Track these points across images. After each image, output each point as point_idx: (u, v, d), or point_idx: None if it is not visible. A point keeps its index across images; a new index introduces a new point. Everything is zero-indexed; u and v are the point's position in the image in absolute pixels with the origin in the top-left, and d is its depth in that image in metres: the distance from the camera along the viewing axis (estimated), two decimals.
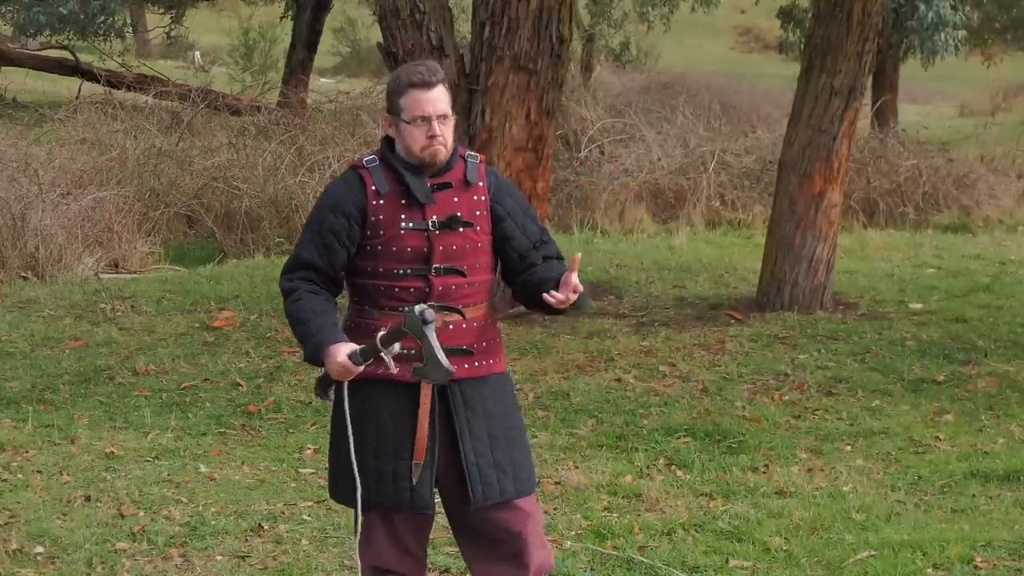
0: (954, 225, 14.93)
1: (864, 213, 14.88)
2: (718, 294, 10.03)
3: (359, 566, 3.80)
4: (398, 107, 3.70)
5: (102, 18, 22.84)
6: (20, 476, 5.93)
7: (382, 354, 3.57)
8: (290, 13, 23.59)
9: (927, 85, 32.86)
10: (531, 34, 8.59)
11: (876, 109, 19.98)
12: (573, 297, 3.63)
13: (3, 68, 22.84)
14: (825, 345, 8.42)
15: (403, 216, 3.69)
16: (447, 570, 4.89)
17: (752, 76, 29.41)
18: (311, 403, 7.02)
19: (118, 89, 19.61)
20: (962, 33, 21.22)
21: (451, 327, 3.72)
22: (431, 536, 3.98)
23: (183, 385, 7.41)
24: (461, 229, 3.72)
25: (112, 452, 6.28)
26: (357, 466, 3.70)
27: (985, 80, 30.43)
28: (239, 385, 7.41)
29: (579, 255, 3.65)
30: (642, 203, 14.15)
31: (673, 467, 6.20)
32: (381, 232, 3.69)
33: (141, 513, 5.49)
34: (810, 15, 13.81)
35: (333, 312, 3.71)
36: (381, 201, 3.69)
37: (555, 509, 5.59)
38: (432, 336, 3.51)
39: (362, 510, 3.78)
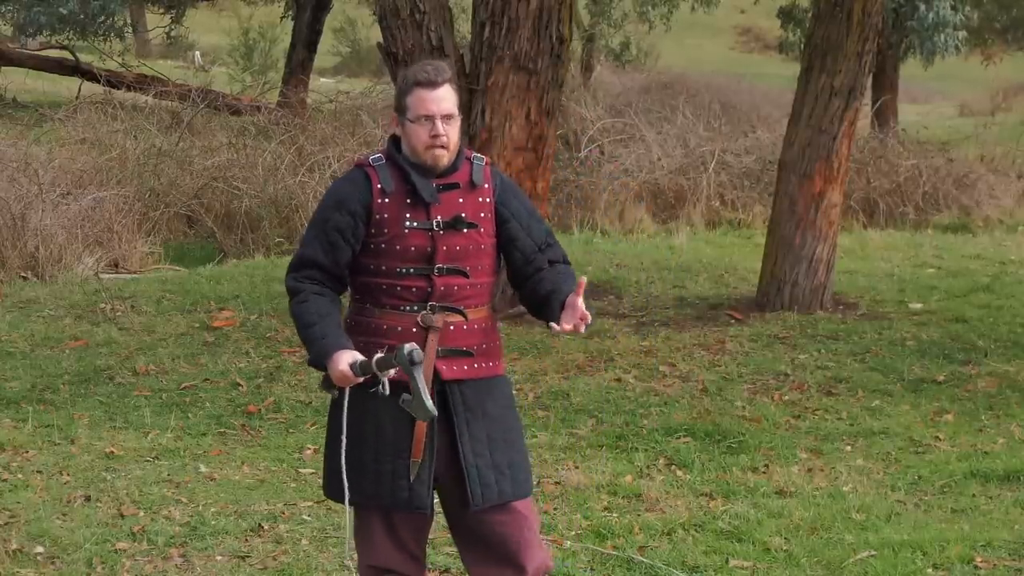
0: (954, 225, 14.93)
1: (864, 213, 14.88)
2: (718, 294, 10.03)
3: (353, 564, 3.79)
4: (404, 105, 3.71)
5: (102, 18, 22.84)
6: (20, 476, 5.93)
7: (378, 375, 3.58)
8: (290, 13, 23.60)
9: (927, 85, 32.86)
10: (531, 34, 8.59)
11: (876, 109, 19.98)
12: (582, 327, 3.62)
13: (3, 68, 22.84)
14: (825, 345, 8.42)
15: (408, 215, 3.69)
16: (447, 570, 4.89)
17: (752, 76, 29.40)
18: (311, 403, 7.03)
19: (118, 89, 19.61)
20: (962, 33, 21.22)
21: (452, 328, 3.72)
22: (431, 536, 3.98)
23: (183, 385, 7.41)
24: (465, 230, 3.72)
25: (112, 452, 6.28)
26: (355, 466, 3.70)
27: (985, 80, 30.43)
28: (239, 385, 7.41)
29: (585, 278, 3.67)
30: (642, 203, 14.15)
31: (673, 467, 6.20)
32: (385, 230, 3.69)
33: (141, 513, 5.49)
34: (810, 15, 13.80)
35: (338, 314, 3.71)
36: (386, 200, 3.69)
37: (555, 509, 5.60)
38: (419, 376, 3.51)
39: (361, 510, 3.79)
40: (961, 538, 5.16)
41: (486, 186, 3.78)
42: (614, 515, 5.51)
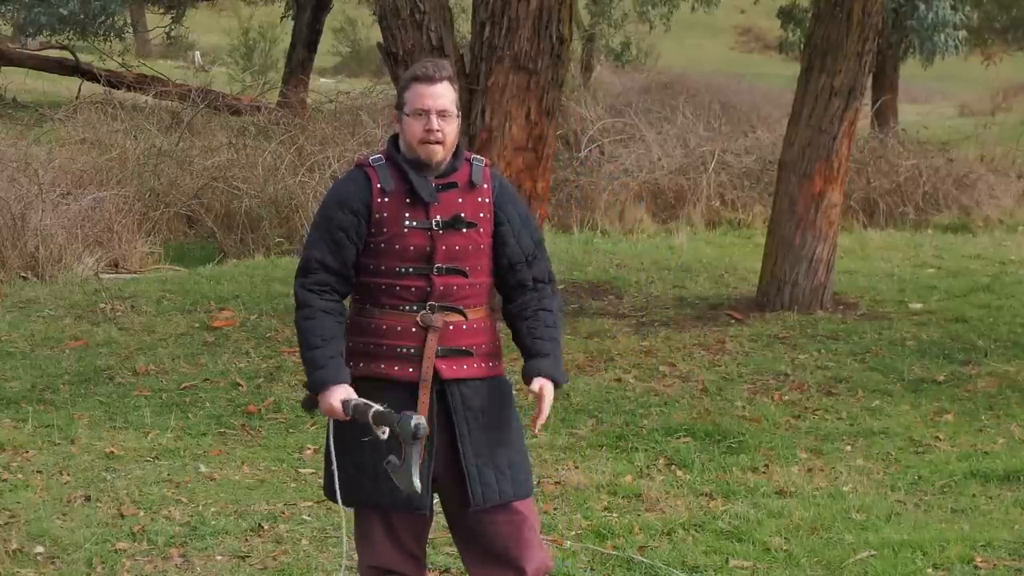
0: (954, 225, 14.93)
1: (864, 213, 14.88)
2: (718, 294, 10.03)
3: (354, 565, 3.79)
4: (402, 101, 3.74)
5: (102, 18, 22.84)
6: (20, 476, 5.93)
7: (371, 426, 3.57)
8: (290, 13, 23.60)
9: (927, 85, 32.86)
10: (531, 34, 8.58)
11: (876, 109, 19.98)
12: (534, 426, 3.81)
13: (3, 68, 22.84)
14: (825, 345, 8.42)
15: (407, 215, 3.70)
16: (447, 570, 4.89)
17: (752, 76, 29.41)
18: None
19: (118, 89, 19.61)
20: (962, 33, 21.21)
21: (451, 328, 3.73)
22: (431, 536, 3.98)
23: (183, 385, 7.41)
24: (464, 230, 3.73)
25: (112, 452, 6.28)
26: (355, 467, 3.70)
27: (985, 80, 30.43)
28: (239, 385, 7.41)
29: (546, 412, 3.77)
30: (642, 203, 14.15)
31: (673, 467, 6.20)
32: (385, 230, 3.70)
33: (141, 513, 5.49)
34: (810, 15, 13.80)
35: (341, 336, 3.71)
36: (386, 199, 3.70)
37: (555, 509, 5.59)
38: (416, 451, 3.51)
39: (360, 510, 3.79)
40: (961, 538, 5.16)
41: (485, 186, 3.79)
42: (614, 515, 5.51)
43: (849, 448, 6.53)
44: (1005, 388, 7.51)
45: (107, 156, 13.96)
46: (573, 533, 5.30)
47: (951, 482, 5.96)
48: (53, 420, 6.72)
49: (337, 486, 3.69)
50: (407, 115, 3.71)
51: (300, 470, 6.11)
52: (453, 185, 3.74)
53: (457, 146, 3.78)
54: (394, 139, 3.80)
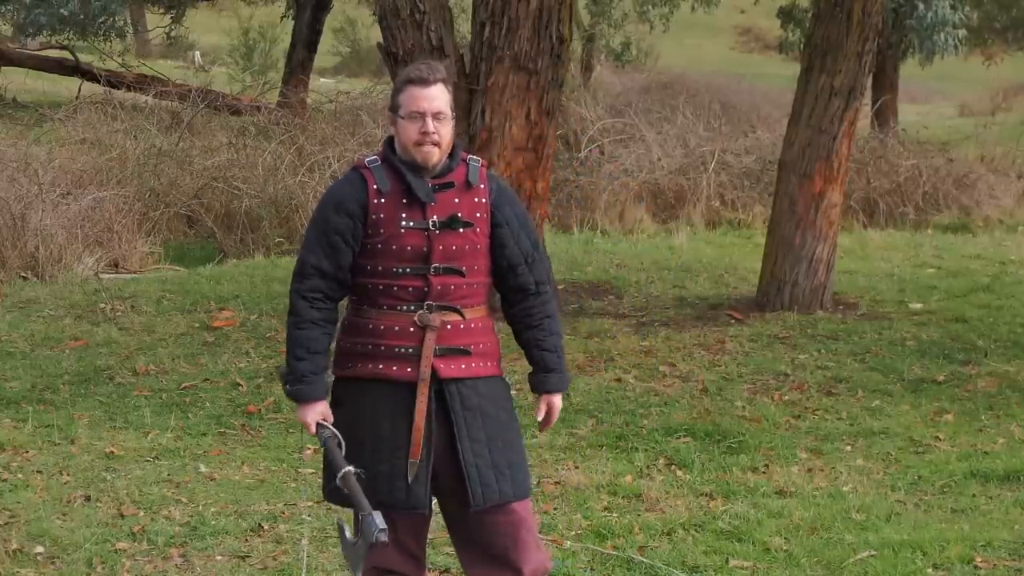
0: (954, 225, 14.93)
1: (864, 213, 14.88)
2: (718, 294, 10.03)
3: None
4: (397, 104, 3.74)
5: (102, 18, 22.83)
6: (20, 476, 5.93)
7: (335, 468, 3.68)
8: (290, 13, 23.59)
9: (927, 85, 32.85)
10: (531, 34, 8.59)
11: (876, 109, 19.97)
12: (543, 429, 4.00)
13: (3, 68, 22.83)
14: (825, 345, 8.42)
15: (404, 215, 3.70)
16: (447, 570, 4.89)
17: (752, 76, 29.40)
18: None
19: (118, 89, 19.60)
20: (962, 32, 21.21)
21: (449, 327, 3.73)
22: (431, 536, 3.98)
23: (183, 385, 7.41)
24: (461, 229, 3.73)
25: (112, 452, 6.28)
26: (353, 465, 3.70)
27: (985, 80, 30.43)
28: (239, 385, 7.41)
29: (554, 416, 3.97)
30: (642, 203, 14.15)
31: (673, 467, 6.20)
32: (381, 230, 3.70)
33: (141, 513, 5.49)
34: (810, 15, 13.80)
35: (327, 350, 3.77)
36: (382, 200, 3.70)
37: (555, 509, 5.60)
38: (364, 551, 3.60)
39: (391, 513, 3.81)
40: (961, 538, 5.16)
41: (482, 187, 3.79)
42: (614, 515, 5.51)
43: (849, 448, 6.53)
44: (1005, 388, 7.51)
45: (107, 156, 13.96)
46: (573, 533, 5.30)
47: (951, 482, 5.96)
48: (53, 420, 6.72)
49: (344, 465, 3.71)
50: (402, 118, 3.71)
51: (300, 470, 6.11)
52: (450, 185, 3.74)
53: (453, 146, 3.79)
54: (390, 140, 3.81)
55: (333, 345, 3.83)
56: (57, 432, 6.54)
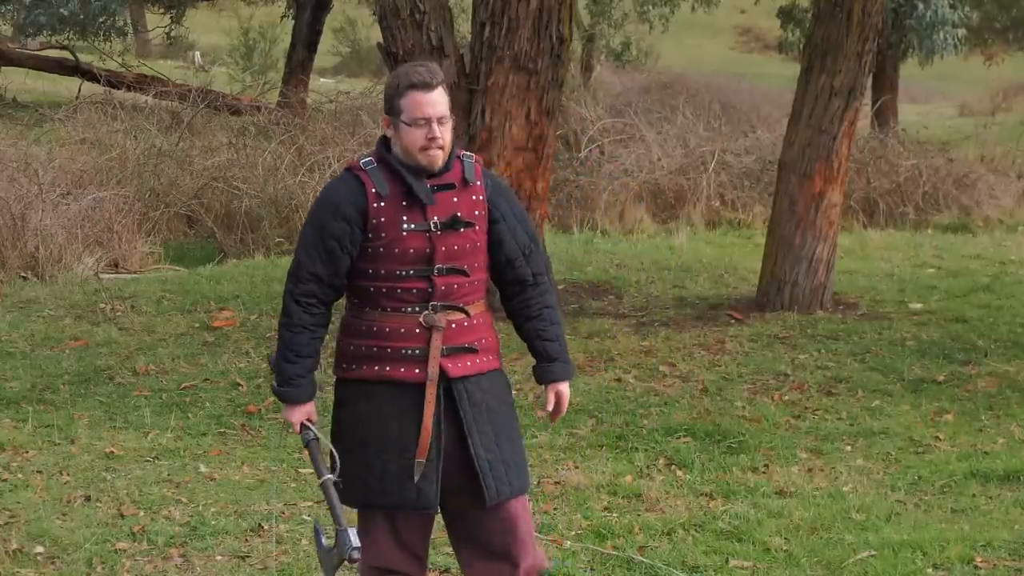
0: (954, 225, 14.93)
1: (864, 213, 14.88)
2: (718, 294, 10.03)
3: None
4: (398, 108, 3.68)
5: (102, 18, 22.83)
6: (20, 476, 5.93)
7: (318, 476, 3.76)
8: (290, 13, 23.59)
9: (927, 85, 32.85)
10: (531, 34, 8.58)
11: (876, 109, 19.97)
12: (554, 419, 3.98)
13: (3, 68, 22.83)
14: (825, 345, 8.42)
15: (405, 218, 3.68)
16: (447, 570, 4.89)
17: (752, 76, 29.40)
18: None
19: (118, 89, 19.60)
20: (961, 31, 21.21)
21: (454, 326, 3.73)
22: (431, 536, 3.98)
23: (183, 385, 7.41)
24: (462, 229, 3.72)
25: (112, 452, 6.28)
26: (361, 467, 3.71)
27: (985, 80, 30.43)
28: (239, 385, 7.41)
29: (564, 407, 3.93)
30: (642, 203, 14.15)
31: (673, 467, 6.20)
32: (383, 234, 3.67)
33: (141, 513, 5.49)
34: (810, 15, 13.80)
35: (317, 353, 3.78)
36: (382, 203, 3.67)
37: (555, 509, 5.60)
38: (337, 563, 3.70)
39: (364, 511, 3.81)
40: (961, 538, 5.16)
41: (478, 184, 3.78)
42: (614, 515, 5.51)
43: (849, 448, 6.53)
44: (1005, 388, 7.51)
45: (107, 156, 13.96)
46: (573, 533, 5.30)
47: (951, 482, 5.96)
48: (53, 420, 6.72)
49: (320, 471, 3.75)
50: (406, 124, 3.67)
51: (300, 470, 6.11)
52: (449, 186, 3.72)
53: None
54: (384, 141, 3.77)
55: (333, 344, 3.84)
56: (57, 432, 6.54)
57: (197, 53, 29.54)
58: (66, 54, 22.49)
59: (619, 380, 7.59)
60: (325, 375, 4.15)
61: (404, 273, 3.69)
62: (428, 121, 3.65)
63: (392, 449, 3.71)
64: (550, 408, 3.91)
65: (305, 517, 5.47)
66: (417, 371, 3.70)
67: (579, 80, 21.33)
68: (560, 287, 9.82)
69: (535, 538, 3.93)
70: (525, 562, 3.81)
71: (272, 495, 5.75)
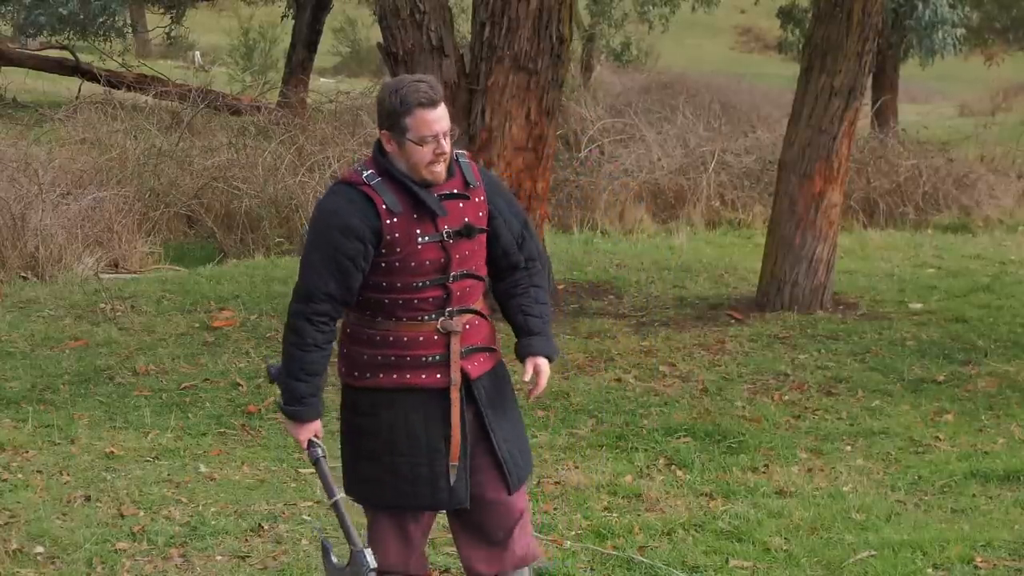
0: (954, 225, 14.93)
1: (864, 213, 14.88)
2: (718, 294, 10.03)
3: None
4: (403, 126, 3.63)
5: (102, 18, 22.82)
6: (20, 476, 5.93)
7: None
8: (290, 13, 23.59)
9: (927, 85, 32.86)
10: (531, 34, 8.59)
11: (876, 109, 19.98)
12: (532, 394, 3.93)
13: (3, 68, 22.83)
14: (825, 345, 8.42)
15: (418, 231, 3.67)
16: (447, 570, 4.89)
17: (752, 76, 29.41)
18: None
19: (118, 89, 19.61)
20: (960, 31, 21.21)
21: (468, 327, 3.77)
22: (431, 536, 4.00)
23: (183, 385, 7.41)
24: (476, 235, 3.75)
25: (112, 452, 6.28)
26: (389, 471, 3.75)
27: (985, 80, 30.43)
28: (239, 385, 7.41)
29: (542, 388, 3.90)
30: (642, 203, 14.15)
31: (673, 467, 6.20)
32: (398, 249, 3.66)
33: (141, 513, 5.49)
34: (810, 15, 13.80)
35: (325, 370, 3.76)
36: (395, 219, 3.64)
37: (555, 509, 5.59)
38: None
39: (376, 514, 3.83)
40: (961, 538, 5.16)
41: (479, 185, 3.80)
42: (614, 515, 5.51)
43: (849, 448, 6.53)
44: (1005, 388, 7.50)
45: (107, 156, 13.96)
46: (573, 533, 5.30)
47: (951, 482, 5.95)
48: (53, 420, 6.72)
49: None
50: (413, 142, 3.62)
51: (300, 470, 6.11)
52: (456, 195, 3.73)
53: None
54: (381, 151, 3.71)
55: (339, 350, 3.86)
56: (57, 432, 6.54)
57: (197, 53, 29.54)
58: (66, 54, 22.49)
59: (619, 380, 7.59)
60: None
61: (420, 284, 3.70)
62: (436, 138, 3.64)
63: (421, 453, 3.74)
64: (526, 378, 3.88)
65: (305, 517, 5.47)
66: (438, 376, 3.73)
67: (579, 80, 21.34)
68: (560, 287, 9.82)
69: (531, 528, 4.00)
70: (521, 548, 3.89)
71: (272, 495, 5.75)
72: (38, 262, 10.52)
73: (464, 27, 15.81)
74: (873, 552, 5.05)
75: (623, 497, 5.75)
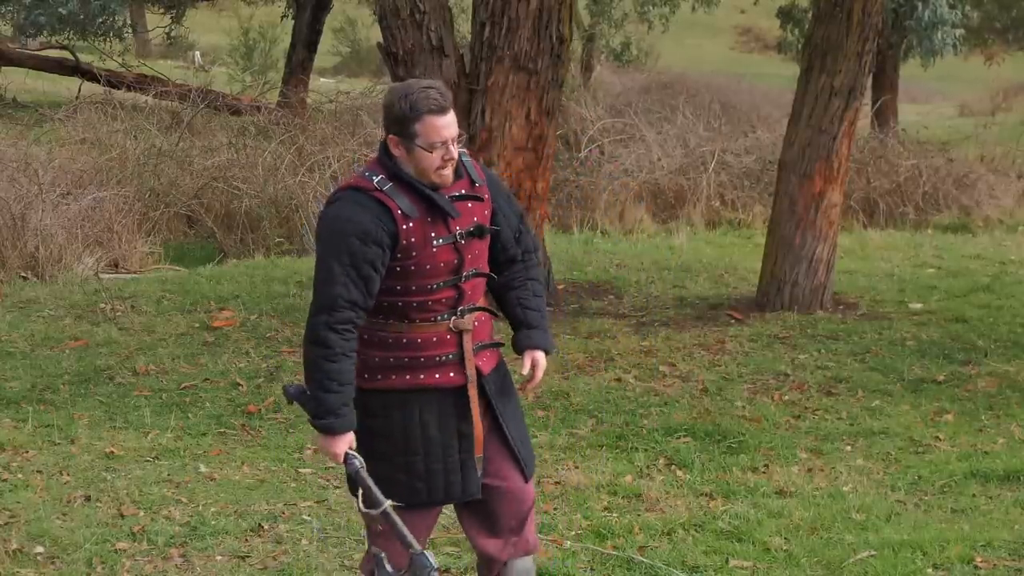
0: (954, 225, 14.93)
1: (864, 213, 14.88)
2: (718, 294, 10.03)
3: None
4: (412, 132, 3.63)
5: (102, 18, 22.83)
6: (20, 476, 5.93)
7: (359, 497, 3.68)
8: (290, 13, 23.59)
9: (927, 85, 32.86)
10: (531, 34, 8.59)
11: (876, 109, 19.98)
12: (528, 390, 3.97)
13: (3, 68, 22.84)
14: (825, 345, 8.42)
15: (432, 234, 3.68)
16: (447, 570, 4.89)
17: (752, 76, 29.42)
18: None
19: (118, 89, 19.61)
20: (960, 31, 21.21)
21: (478, 324, 3.82)
22: (432, 536, 4.01)
23: (183, 385, 7.41)
24: (486, 235, 3.79)
25: (112, 452, 6.28)
26: (403, 470, 3.77)
27: (985, 80, 30.44)
28: (239, 385, 7.41)
29: (539, 378, 3.94)
30: (642, 203, 14.15)
31: (673, 467, 6.20)
32: (414, 253, 3.67)
33: (141, 513, 5.49)
34: (810, 15, 13.80)
35: (353, 380, 3.69)
36: (411, 224, 3.65)
37: (555, 509, 5.60)
38: None
39: (388, 517, 3.82)
40: (961, 538, 5.16)
41: (483, 184, 3.83)
42: (614, 515, 5.51)
43: (849, 448, 6.53)
44: (1005, 388, 7.50)
45: (107, 156, 13.96)
46: (573, 533, 5.30)
47: (951, 482, 5.96)
48: (53, 420, 6.72)
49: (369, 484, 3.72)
50: (422, 148, 3.63)
51: (300, 470, 6.11)
52: (465, 196, 3.76)
53: None
54: (387, 154, 3.71)
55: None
56: (57, 432, 6.54)
57: (197, 53, 29.55)
58: (66, 54, 22.50)
59: (619, 380, 7.59)
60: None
61: (434, 286, 3.72)
62: (445, 143, 3.65)
63: (435, 451, 3.78)
64: (524, 371, 3.92)
65: (305, 517, 5.47)
66: (452, 374, 3.76)
67: (579, 80, 21.35)
68: (560, 287, 9.83)
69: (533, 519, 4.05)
70: (533, 536, 3.97)
71: (272, 495, 5.75)
72: (38, 262, 10.52)
73: (464, 27, 15.81)
74: (873, 552, 5.05)
75: (623, 497, 5.75)
